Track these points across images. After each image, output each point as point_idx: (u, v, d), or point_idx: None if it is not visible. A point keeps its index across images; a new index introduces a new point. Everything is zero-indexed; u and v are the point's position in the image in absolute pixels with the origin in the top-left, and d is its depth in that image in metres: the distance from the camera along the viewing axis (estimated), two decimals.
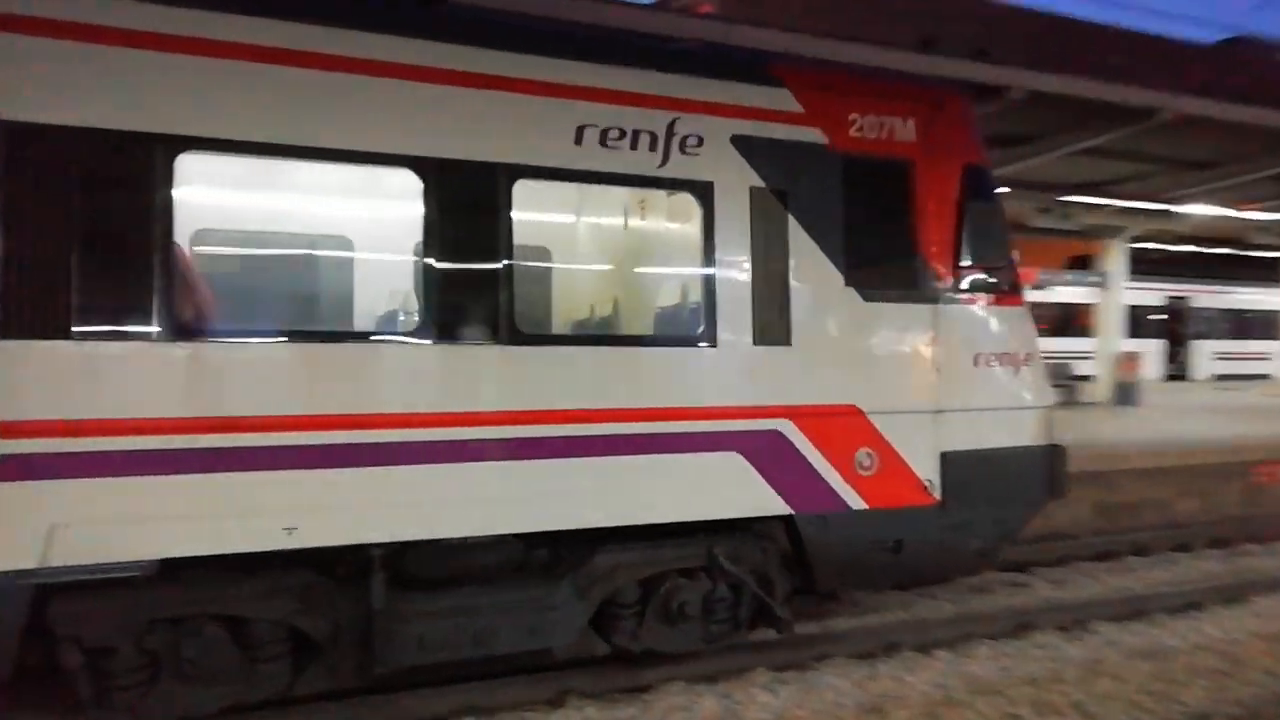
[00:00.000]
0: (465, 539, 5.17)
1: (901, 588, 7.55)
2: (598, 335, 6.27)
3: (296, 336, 4.91)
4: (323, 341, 4.96)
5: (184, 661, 4.76)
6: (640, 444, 5.43)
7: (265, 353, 4.73)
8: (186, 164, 4.60)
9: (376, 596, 5.05)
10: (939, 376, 6.22)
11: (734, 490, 5.69)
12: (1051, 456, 6.59)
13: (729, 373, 5.68)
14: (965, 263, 6.33)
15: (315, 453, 4.73)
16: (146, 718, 4.73)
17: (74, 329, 4.37)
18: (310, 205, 6.48)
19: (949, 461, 6.23)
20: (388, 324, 6.17)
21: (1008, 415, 6.45)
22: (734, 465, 5.68)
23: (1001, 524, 6.53)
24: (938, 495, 6.22)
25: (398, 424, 4.92)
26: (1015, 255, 6.59)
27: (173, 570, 4.59)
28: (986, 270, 6.37)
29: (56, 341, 4.33)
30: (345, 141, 4.90)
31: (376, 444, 4.85)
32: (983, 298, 6.41)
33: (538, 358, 5.24)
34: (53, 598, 4.49)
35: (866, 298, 6.07)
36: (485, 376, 5.13)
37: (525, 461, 5.15)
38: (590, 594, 5.56)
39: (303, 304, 6.63)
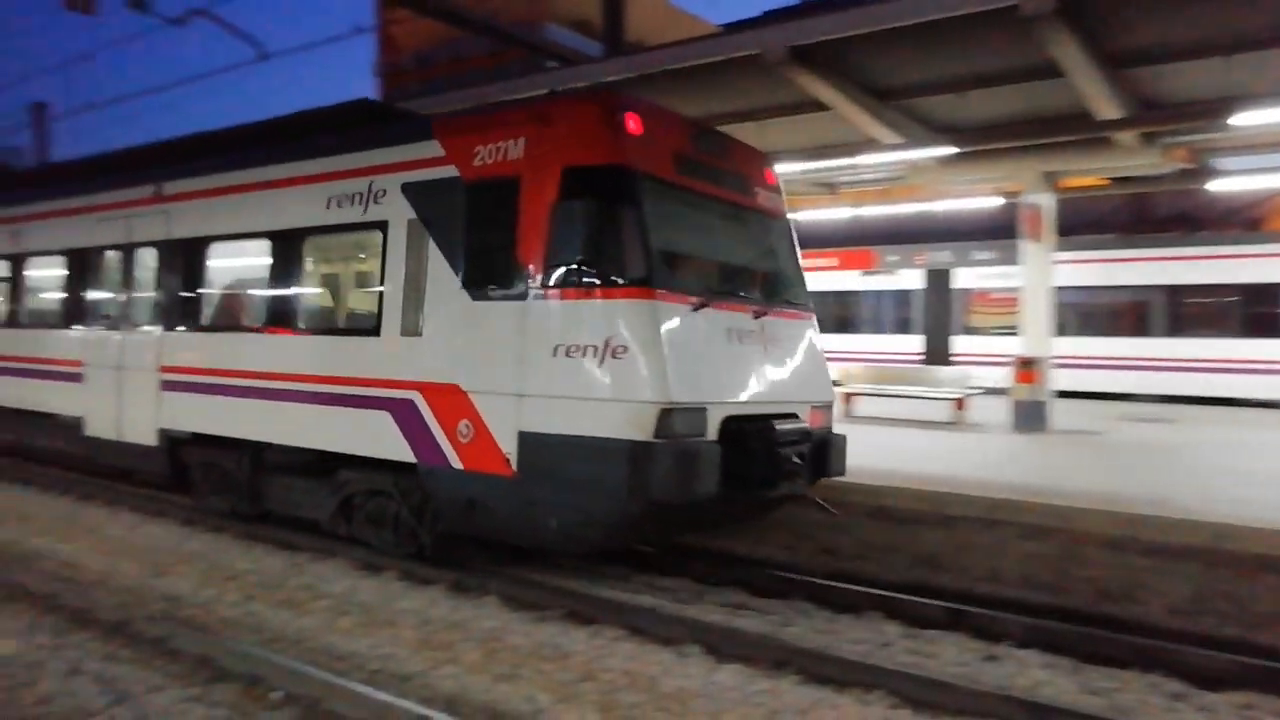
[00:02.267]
0: (278, 445, 8.87)
1: (505, 545, 8.39)
2: (314, 328, 8.83)
3: (226, 329, 9.62)
4: (231, 331, 9.55)
5: (210, 478, 9.93)
6: (332, 399, 8.25)
7: (219, 337, 9.60)
8: (214, 245, 9.90)
9: (243, 468, 9.46)
10: (521, 364, 6.86)
11: (385, 440, 7.76)
12: (638, 453, 6.29)
13: (385, 355, 7.83)
14: (552, 261, 6.79)
15: (220, 388, 9.38)
16: (213, 506, 9.97)
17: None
18: (243, 261, 9.82)
19: (524, 440, 6.81)
20: (244, 321, 9.66)
21: (585, 405, 6.54)
22: (386, 422, 7.76)
23: (580, 511, 6.68)
24: (514, 469, 6.85)
25: (233, 375, 9.24)
26: (623, 249, 6.63)
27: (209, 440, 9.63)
28: (578, 266, 6.67)
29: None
30: (243, 227, 9.44)
31: (233, 385, 9.24)
32: (572, 292, 6.70)
33: (286, 343, 8.80)
34: (182, 446, 10.03)
35: (473, 297, 7.25)
36: (287, 351, 8.74)
37: (278, 402, 8.73)
38: (336, 493, 8.58)
39: (236, 312, 9.99)
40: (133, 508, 10.49)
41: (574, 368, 6.60)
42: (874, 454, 11.26)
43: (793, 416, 7.55)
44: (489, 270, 7.15)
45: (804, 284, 8.57)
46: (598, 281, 6.63)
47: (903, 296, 25.22)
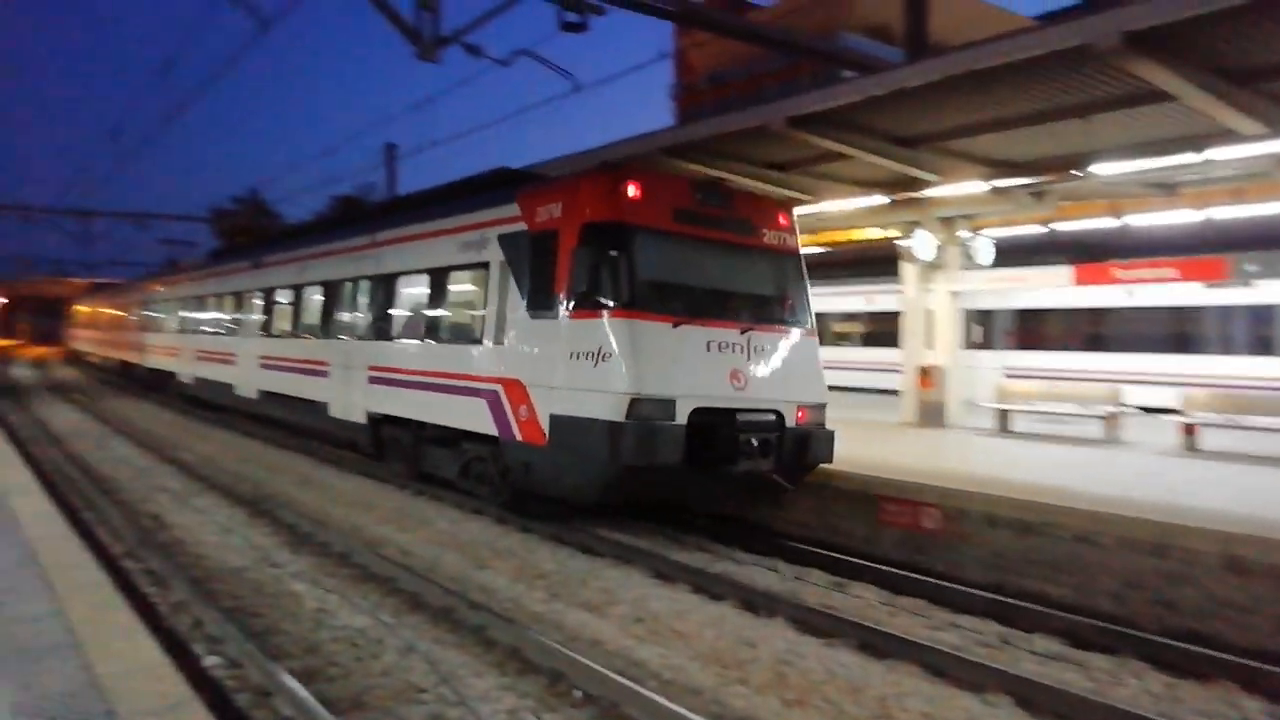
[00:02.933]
0: (430, 424, 11.94)
1: (545, 500, 10.40)
2: (444, 338, 11.79)
3: (398, 338, 12.89)
4: (401, 339, 12.79)
5: (394, 449, 13.18)
6: (449, 389, 11.20)
7: (394, 344, 12.87)
8: (397, 278, 13.34)
9: (406, 440, 12.72)
10: (553, 364, 9.37)
11: (481, 419, 10.50)
12: (614, 429, 8.54)
13: (483, 358, 10.63)
14: (573, 291, 9.28)
15: (398, 381, 12.62)
16: (397, 470, 13.25)
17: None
18: (411, 290, 12.96)
19: (553, 420, 9.27)
20: (409, 332, 12.69)
21: (585, 394, 8.90)
22: (482, 406, 10.50)
23: (585, 471, 8.94)
24: (546, 440, 9.31)
25: (403, 372, 12.46)
26: (615, 282, 9.05)
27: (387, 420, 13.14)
28: (587, 295, 9.11)
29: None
30: (411, 265, 12.80)
31: (403, 379, 12.41)
32: (582, 313, 9.17)
33: (429, 349, 11.93)
34: (380, 425, 13.31)
35: (532, 317, 9.88)
36: (430, 354, 11.89)
37: (426, 391, 11.72)
38: (460, 460, 11.56)
39: (405, 326, 13.01)
40: (454, 505, 11.71)
41: (581, 367, 9.02)
42: (1222, 493, 9.77)
43: (769, 413, 9.41)
44: (540, 297, 9.75)
45: (806, 306, 10.45)
46: (598, 306, 9.02)
47: (1265, 312, 21.77)
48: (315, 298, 16.11)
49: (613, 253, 9.06)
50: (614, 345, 8.78)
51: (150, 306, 30.85)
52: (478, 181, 12.52)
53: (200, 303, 23.93)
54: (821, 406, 9.95)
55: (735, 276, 9.98)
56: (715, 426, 8.95)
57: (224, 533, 9.96)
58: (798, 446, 9.56)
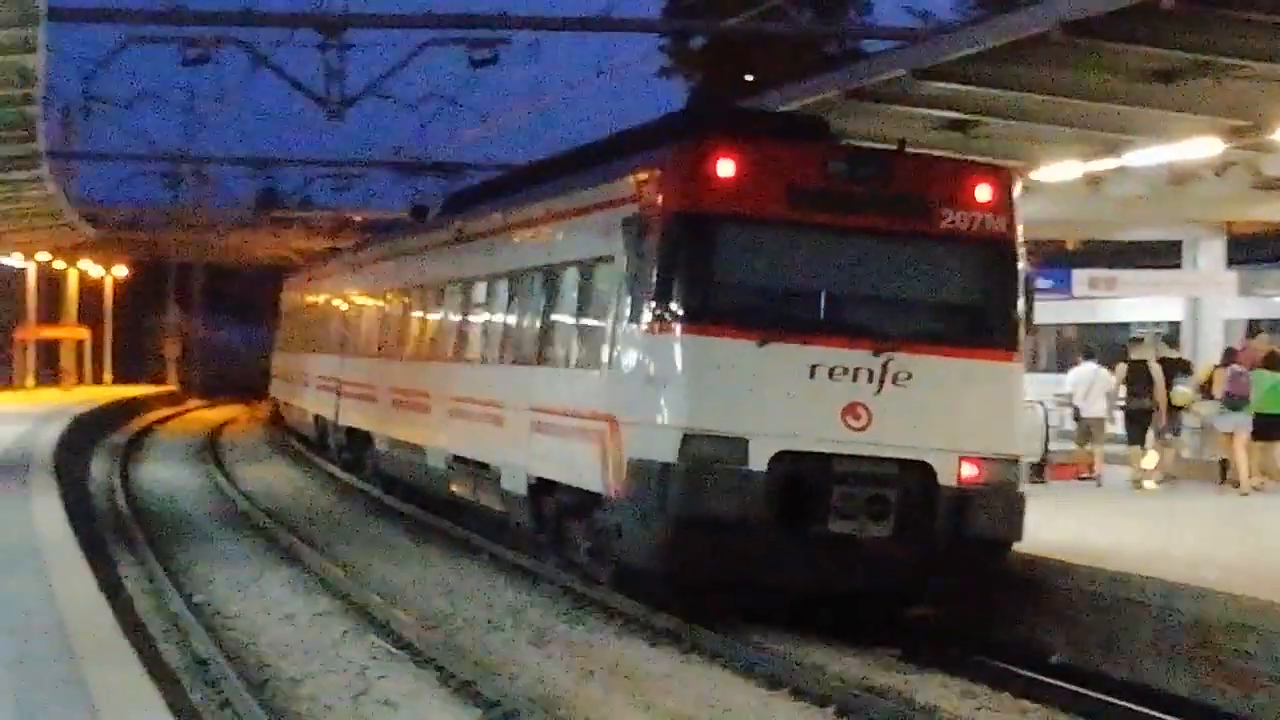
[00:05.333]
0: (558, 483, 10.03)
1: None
2: (567, 361, 10.58)
3: (559, 360, 10.48)
4: (552, 362, 10.60)
5: (556, 531, 10.36)
6: (571, 433, 9.87)
7: (558, 373, 10.41)
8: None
9: (555, 514, 10.39)
10: (636, 392, 8.49)
11: (592, 469, 9.08)
12: (664, 473, 7.60)
13: (598, 387, 9.28)
14: (649, 297, 8.24)
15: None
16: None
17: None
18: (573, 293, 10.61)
19: (629, 464, 8.15)
20: (563, 351, 10.61)
21: (650, 431, 8.00)
22: (591, 452, 9.05)
23: (645, 530, 7.95)
24: (624, 491, 8.27)
25: (555, 411, 10.16)
26: (684, 288, 8.05)
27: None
28: (658, 303, 8.10)
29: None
30: (566, 255, 10.57)
31: (554, 422, 10.09)
32: (653, 327, 8.16)
33: (562, 376, 10.44)
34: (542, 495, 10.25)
35: (633, 332, 8.60)
36: (558, 386, 10.28)
37: (556, 439, 10.23)
38: (591, 535, 9.45)
39: (563, 344, 10.73)
40: None
41: (651, 396, 8.11)
42: None
43: (889, 462, 7.75)
44: (637, 305, 8.44)
45: (1010, 319, 8.39)
46: (668, 318, 8.04)
47: None
48: (498, 295, 12.35)
49: (693, 249, 8.19)
50: (674, 368, 8.04)
51: (369, 293, 19.29)
52: (640, 134, 10.65)
53: (412, 294, 16.23)
54: (1007, 462, 8.14)
55: (880, 277, 8.48)
56: (806, 476, 7.74)
57: None
58: (952, 514, 7.73)
